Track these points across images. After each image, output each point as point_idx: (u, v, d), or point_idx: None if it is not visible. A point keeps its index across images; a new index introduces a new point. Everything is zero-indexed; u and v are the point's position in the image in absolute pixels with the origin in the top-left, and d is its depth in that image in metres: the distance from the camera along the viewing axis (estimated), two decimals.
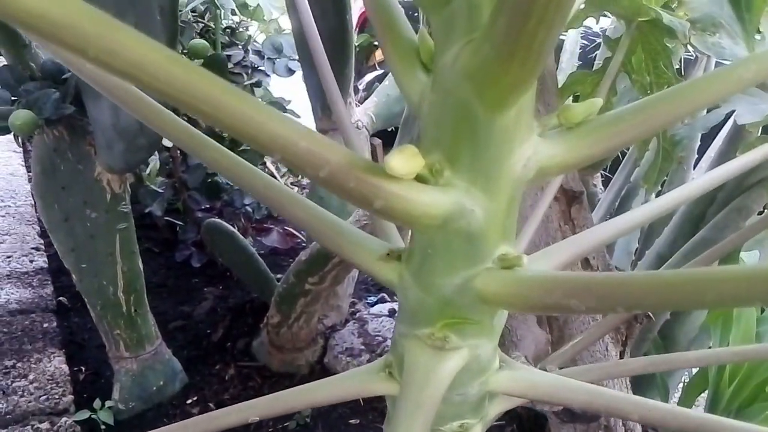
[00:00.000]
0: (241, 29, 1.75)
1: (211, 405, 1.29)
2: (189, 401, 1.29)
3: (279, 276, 1.44)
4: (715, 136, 1.19)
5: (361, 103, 1.57)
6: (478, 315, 0.36)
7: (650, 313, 0.75)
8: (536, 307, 0.33)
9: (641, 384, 1.03)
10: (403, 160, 0.29)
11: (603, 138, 0.34)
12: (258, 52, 1.73)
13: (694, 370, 1.01)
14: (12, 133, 0.95)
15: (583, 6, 0.76)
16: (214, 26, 1.68)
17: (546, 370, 0.46)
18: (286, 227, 1.84)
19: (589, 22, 0.98)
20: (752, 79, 0.34)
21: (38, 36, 0.18)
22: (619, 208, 1.26)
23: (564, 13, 0.25)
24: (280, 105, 1.72)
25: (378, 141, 0.51)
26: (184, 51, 1.28)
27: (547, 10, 0.24)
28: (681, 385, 1.05)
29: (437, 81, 0.33)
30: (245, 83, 1.69)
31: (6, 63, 1.06)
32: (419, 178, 0.33)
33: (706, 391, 0.96)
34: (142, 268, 1.22)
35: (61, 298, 1.57)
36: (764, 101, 0.55)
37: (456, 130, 0.32)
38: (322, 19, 1.24)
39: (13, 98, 1.02)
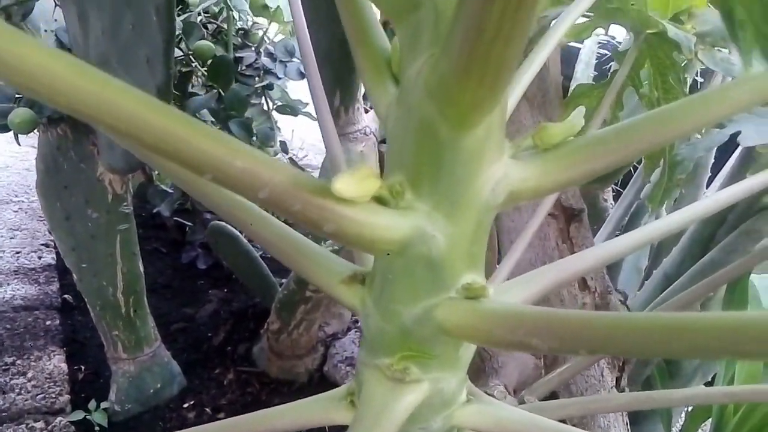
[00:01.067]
0: (254, 31, 1.74)
1: (207, 410, 1.28)
2: (186, 405, 1.28)
3: (283, 281, 1.42)
4: (732, 153, 1.15)
5: (371, 109, 1.55)
6: (441, 347, 0.34)
7: None
8: (499, 343, 0.30)
9: (642, 410, 0.99)
10: (353, 182, 0.27)
11: (580, 161, 0.32)
12: (270, 55, 1.72)
13: None
14: (12, 131, 0.94)
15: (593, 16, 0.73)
16: (227, 27, 1.67)
17: (524, 402, 0.43)
18: None
19: (612, 30, 0.95)
20: (748, 101, 0.31)
21: None
22: (628, 224, 1.22)
23: (522, 27, 0.22)
24: (294, 108, 1.71)
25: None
26: (190, 52, 1.27)
27: (501, 24, 0.22)
28: (684, 413, 1.01)
29: (401, 96, 0.31)
30: (256, 85, 1.68)
31: None
32: (379, 200, 0.31)
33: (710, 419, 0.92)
34: (142, 270, 1.21)
35: (66, 296, 1.57)
36: None
37: (419, 150, 0.30)
38: (331, 24, 1.23)
39: (17, 96, 1.02)
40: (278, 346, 1.36)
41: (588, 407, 0.45)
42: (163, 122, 0.22)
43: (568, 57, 1.48)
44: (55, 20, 1.12)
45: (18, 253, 1.73)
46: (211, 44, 1.28)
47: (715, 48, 0.58)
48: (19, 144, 1.03)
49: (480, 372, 0.56)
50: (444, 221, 0.31)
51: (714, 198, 0.52)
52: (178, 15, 1.56)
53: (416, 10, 0.29)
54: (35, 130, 1.10)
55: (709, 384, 1.02)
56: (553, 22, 0.51)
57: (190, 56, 1.27)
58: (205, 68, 1.36)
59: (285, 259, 0.38)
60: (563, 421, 0.40)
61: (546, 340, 0.27)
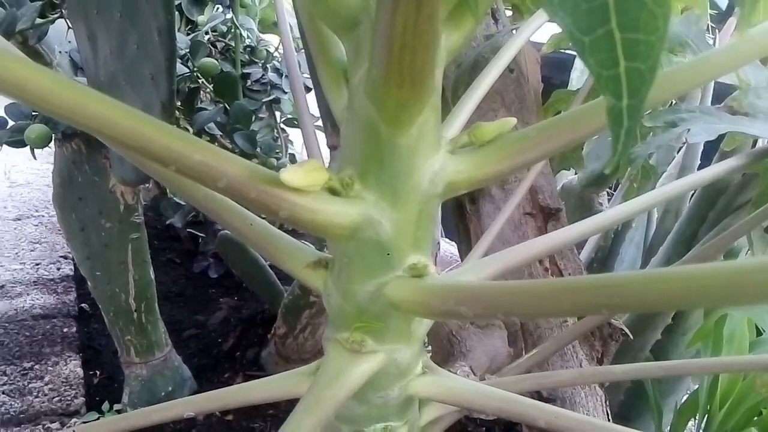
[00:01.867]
0: (260, 48, 1.80)
1: (216, 413, 1.32)
2: None
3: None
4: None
5: None
6: (393, 321, 0.38)
7: (627, 331, 0.75)
8: (435, 314, 0.34)
9: (635, 407, 1.02)
10: (301, 173, 0.32)
11: (508, 155, 0.36)
12: (277, 70, 1.78)
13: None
14: (28, 146, 1.00)
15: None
16: (234, 45, 1.74)
17: (483, 380, 0.47)
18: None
19: None
20: (664, 97, 0.35)
21: None
22: (623, 226, 1.26)
23: (423, 39, 0.27)
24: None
25: None
26: (195, 69, 1.34)
27: (404, 39, 0.26)
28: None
29: (350, 100, 0.36)
30: (263, 100, 1.74)
31: None
32: (332, 191, 0.35)
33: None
34: (153, 277, 1.27)
35: (83, 305, 1.63)
36: (722, 120, 0.55)
37: (364, 147, 0.35)
38: None
39: (33, 113, 1.09)
40: (285, 350, 1.40)
41: (539, 382, 0.48)
42: (132, 124, 0.27)
43: (563, 65, 1.52)
44: (69, 42, 1.19)
45: (38, 264, 1.80)
46: (215, 61, 1.34)
47: (672, 53, 0.62)
48: (35, 158, 1.10)
49: (449, 356, 0.60)
50: (389, 209, 0.35)
51: (672, 186, 0.56)
52: (187, 34, 1.63)
53: (357, 27, 0.34)
54: (50, 146, 1.17)
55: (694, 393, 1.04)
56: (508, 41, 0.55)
57: (195, 73, 1.34)
58: (213, 84, 1.43)
59: (260, 249, 0.42)
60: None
61: (471, 308, 0.31)
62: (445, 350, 0.60)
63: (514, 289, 0.29)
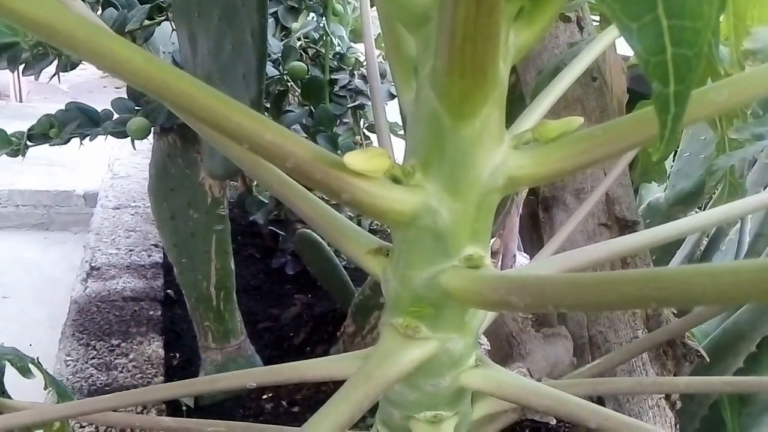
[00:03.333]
0: (349, 55, 1.85)
1: (284, 402, 1.37)
2: (264, 396, 1.38)
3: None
4: None
5: None
6: (448, 310, 0.39)
7: (703, 352, 0.72)
8: (486, 303, 0.35)
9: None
10: (364, 158, 0.33)
11: (572, 154, 0.36)
12: (363, 77, 1.83)
13: None
14: (129, 138, 1.09)
15: None
16: (324, 51, 1.80)
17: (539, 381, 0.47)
18: None
19: None
20: (725, 102, 0.35)
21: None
22: (708, 245, 1.20)
23: (485, 32, 0.28)
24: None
25: None
26: (285, 72, 1.40)
27: (466, 29, 0.27)
28: None
29: (417, 93, 0.37)
30: (349, 105, 1.79)
31: None
32: (394, 179, 0.37)
33: None
34: (233, 268, 1.33)
35: (168, 291, 1.73)
36: None
37: (427, 138, 0.36)
38: None
39: (136, 107, 1.17)
40: (353, 348, 1.43)
41: (595, 387, 0.47)
42: (212, 101, 0.30)
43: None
44: (173, 43, 1.27)
45: (131, 251, 1.92)
46: (304, 65, 1.40)
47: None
48: (135, 148, 1.18)
49: (507, 357, 0.59)
50: (448, 199, 0.37)
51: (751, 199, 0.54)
52: (281, 40, 1.70)
53: (427, 23, 0.35)
54: (150, 141, 1.25)
55: None
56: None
57: (285, 76, 1.39)
58: (300, 88, 1.49)
59: (324, 234, 0.44)
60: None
61: (521, 297, 0.32)
62: (504, 351, 0.60)
63: (561, 281, 0.29)
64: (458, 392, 0.42)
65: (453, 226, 0.37)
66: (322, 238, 1.54)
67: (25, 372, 0.66)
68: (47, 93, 4.51)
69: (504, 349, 0.60)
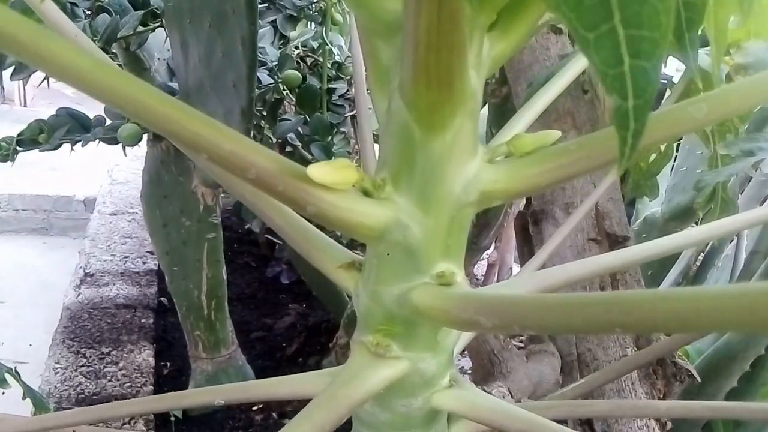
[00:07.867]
0: (347, 64, 1.85)
1: (274, 414, 1.35)
2: (254, 408, 1.36)
3: None
4: None
5: None
6: (419, 328, 0.38)
7: (694, 372, 0.70)
8: (455, 322, 0.34)
9: None
10: (329, 169, 0.32)
11: (547, 169, 0.35)
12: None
13: None
14: (120, 144, 1.08)
15: None
16: (322, 60, 1.79)
17: (518, 401, 0.46)
18: None
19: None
20: (703, 119, 0.33)
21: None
22: (703, 262, 1.18)
23: (449, 42, 0.27)
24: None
25: None
26: (280, 80, 1.39)
27: (429, 39, 0.26)
28: None
29: (389, 103, 0.36)
30: (346, 114, 1.78)
31: None
32: (364, 192, 0.36)
33: None
34: (225, 277, 1.32)
35: (162, 299, 1.72)
36: None
37: (399, 150, 0.35)
38: None
39: None
40: (345, 360, 1.41)
41: (574, 409, 0.46)
42: (169, 111, 0.28)
43: None
44: (168, 50, 1.27)
45: (126, 257, 1.91)
46: (298, 73, 1.39)
47: None
48: (125, 155, 1.17)
49: (489, 375, 0.58)
50: (419, 214, 0.35)
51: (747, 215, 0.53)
52: (279, 48, 1.70)
53: (398, 32, 0.34)
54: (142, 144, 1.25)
55: None
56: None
57: (280, 84, 1.39)
58: (295, 96, 1.48)
59: (294, 244, 0.43)
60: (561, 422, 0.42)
61: (489, 318, 0.31)
62: (485, 369, 0.59)
63: (528, 302, 0.28)
64: (431, 413, 0.41)
65: (424, 242, 0.36)
66: (294, 251, 1.53)
67: (0, 382, 0.65)
68: (52, 98, 4.52)
69: (486, 367, 0.59)
